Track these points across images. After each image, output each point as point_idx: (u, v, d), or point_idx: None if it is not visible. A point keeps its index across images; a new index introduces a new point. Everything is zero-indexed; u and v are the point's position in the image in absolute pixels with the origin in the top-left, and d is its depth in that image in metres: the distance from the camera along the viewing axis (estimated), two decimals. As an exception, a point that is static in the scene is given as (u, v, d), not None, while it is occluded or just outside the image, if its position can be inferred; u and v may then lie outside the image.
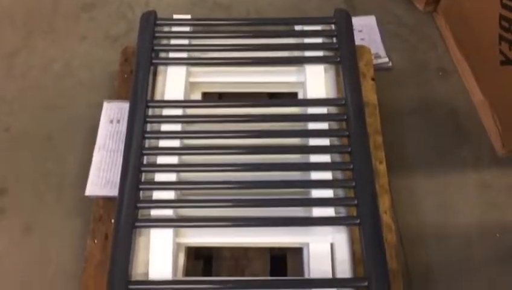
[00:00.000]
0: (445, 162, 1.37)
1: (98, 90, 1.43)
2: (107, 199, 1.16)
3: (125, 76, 1.31)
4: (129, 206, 0.97)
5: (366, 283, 0.91)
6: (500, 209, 1.31)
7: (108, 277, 0.91)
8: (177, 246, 0.99)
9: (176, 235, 0.98)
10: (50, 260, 1.23)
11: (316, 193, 1.00)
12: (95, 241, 1.11)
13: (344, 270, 0.95)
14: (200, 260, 1.11)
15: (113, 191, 1.16)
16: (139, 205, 0.97)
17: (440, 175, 1.35)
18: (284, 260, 1.12)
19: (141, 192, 1.00)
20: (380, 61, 1.53)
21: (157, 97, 1.12)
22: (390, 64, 1.54)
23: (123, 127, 1.24)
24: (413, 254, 1.24)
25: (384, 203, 1.15)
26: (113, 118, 1.25)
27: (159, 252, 0.95)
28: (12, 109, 1.45)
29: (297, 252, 1.09)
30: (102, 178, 1.18)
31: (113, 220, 1.11)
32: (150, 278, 0.93)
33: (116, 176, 1.18)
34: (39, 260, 1.23)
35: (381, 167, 1.20)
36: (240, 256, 1.11)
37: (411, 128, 1.42)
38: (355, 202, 0.97)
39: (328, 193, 1.00)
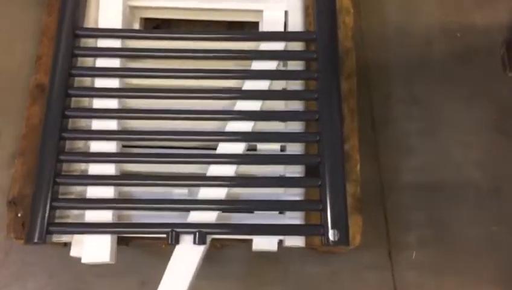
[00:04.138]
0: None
1: None
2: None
3: None
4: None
5: (314, 36, 0.92)
6: (463, 12, 1.30)
7: (57, 27, 0.92)
8: (128, 10, 0.98)
9: (127, -4, 0.97)
10: (15, 49, 1.23)
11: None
12: (51, 16, 1.10)
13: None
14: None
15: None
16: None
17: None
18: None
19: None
20: None
21: None
22: None
23: None
24: (373, 50, 1.25)
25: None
26: None
27: (108, 8, 0.95)
28: None
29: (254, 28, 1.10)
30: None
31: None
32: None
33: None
34: (4, 50, 1.23)
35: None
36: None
37: None
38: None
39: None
